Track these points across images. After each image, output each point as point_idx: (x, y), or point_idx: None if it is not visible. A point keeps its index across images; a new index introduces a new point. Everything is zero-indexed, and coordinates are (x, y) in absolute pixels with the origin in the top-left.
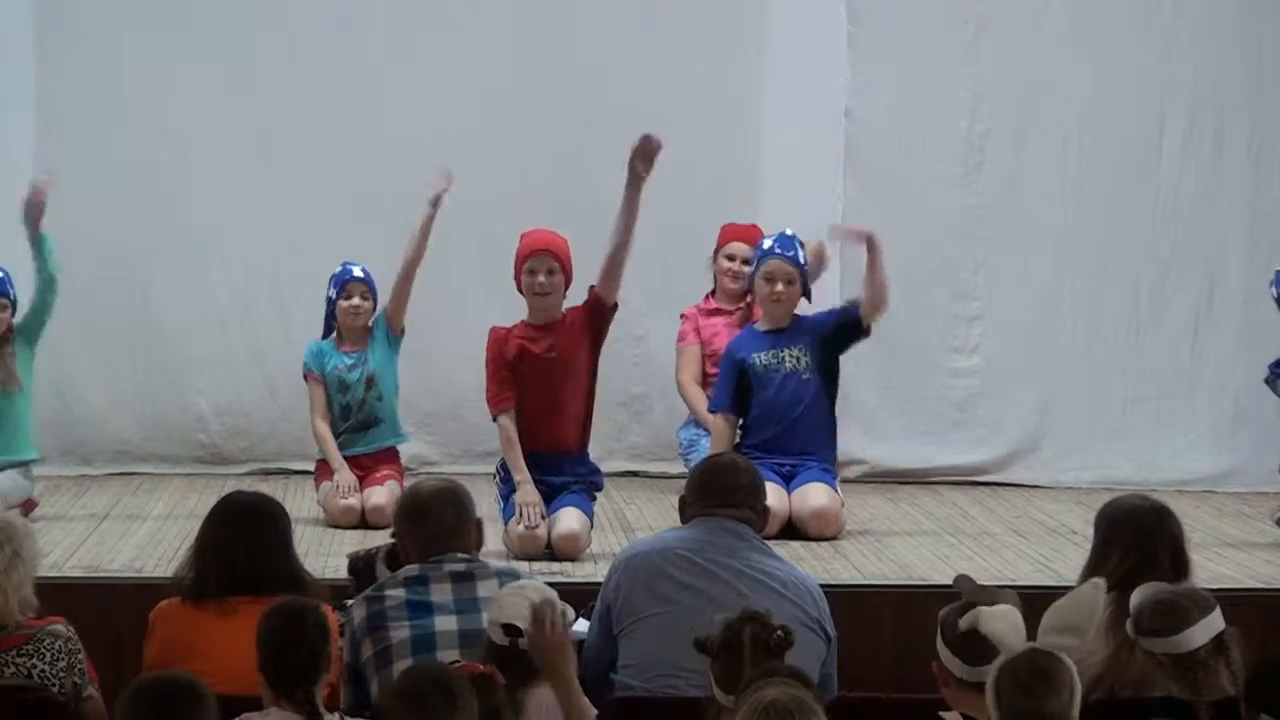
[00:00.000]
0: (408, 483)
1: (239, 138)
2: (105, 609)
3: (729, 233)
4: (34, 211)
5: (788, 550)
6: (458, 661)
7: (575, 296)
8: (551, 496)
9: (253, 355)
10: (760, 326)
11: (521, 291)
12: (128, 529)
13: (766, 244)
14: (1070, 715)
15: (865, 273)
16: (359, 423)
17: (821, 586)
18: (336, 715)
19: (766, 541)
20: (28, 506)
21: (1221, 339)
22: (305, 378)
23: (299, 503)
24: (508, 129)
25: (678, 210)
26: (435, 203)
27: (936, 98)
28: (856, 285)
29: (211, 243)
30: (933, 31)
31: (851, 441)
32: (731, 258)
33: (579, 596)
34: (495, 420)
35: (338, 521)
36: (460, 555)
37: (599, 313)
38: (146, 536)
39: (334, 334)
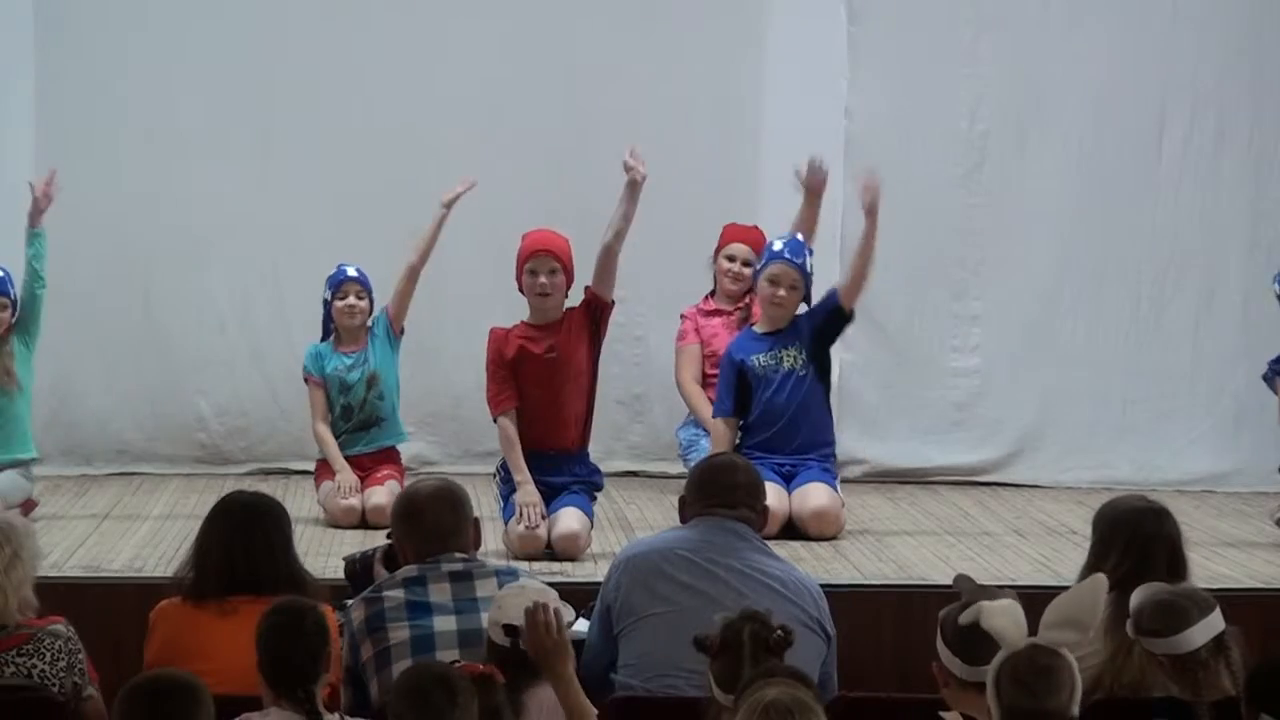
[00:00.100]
0: (408, 482)
1: (239, 138)
2: (105, 609)
3: (730, 233)
4: (38, 205)
5: (788, 550)
6: (458, 661)
7: (574, 296)
8: (552, 496)
9: (253, 356)
10: (758, 328)
11: (522, 292)
12: (128, 529)
13: (777, 246)
14: (1070, 712)
15: (859, 242)
16: (360, 423)
17: (821, 586)
18: (336, 715)
19: (766, 541)
20: (28, 506)
21: (1221, 339)
22: (305, 381)
23: (299, 503)
24: (508, 129)
25: (678, 210)
26: (450, 204)
27: (936, 98)
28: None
29: (211, 243)
30: (933, 31)
31: (851, 441)
32: (732, 258)
33: (579, 596)
34: (495, 421)
35: (338, 521)
36: (458, 555)
37: (597, 311)
38: (146, 536)
39: (333, 335)
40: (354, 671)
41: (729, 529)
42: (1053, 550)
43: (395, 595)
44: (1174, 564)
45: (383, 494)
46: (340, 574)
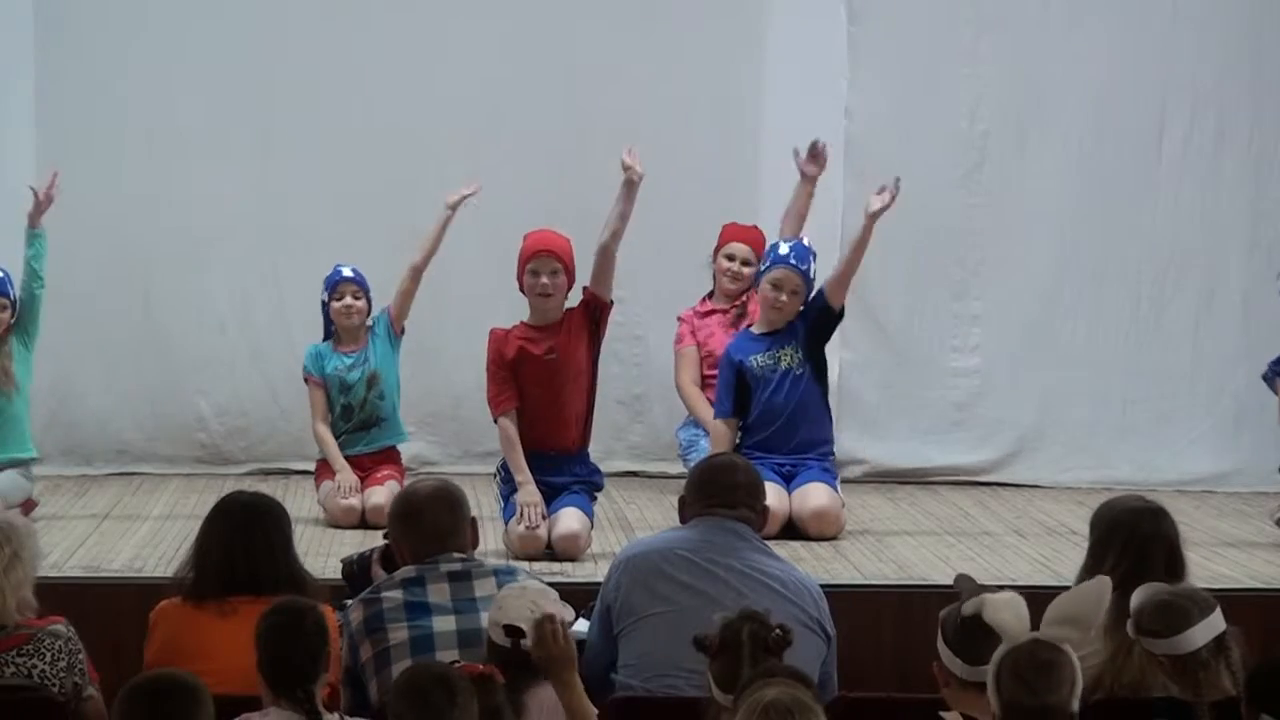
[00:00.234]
0: (408, 482)
1: (239, 138)
2: (105, 609)
3: (729, 233)
4: (39, 206)
5: (788, 550)
6: (458, 661)
7: (574, 297)
8: (552, 496)
9: (253, 356)
10: (756, 329)
11: (523, 292)
12: (128, 529)
13: (783, 250)
14: (1070, 707)
15: (853, 242)
16: (360, 423)
17: (821, 586)
18: (336, 715)
19: (766, 541)
20: (28, 506)
21: (1221, 339)
22: (305, 381)
23: (299, 503)
24: (508, 129)
25: (678, 210)
26: (454, 206)
27: (936, 98)
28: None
29: (211, 243)
30: (933, 31)
31: (852, 441)
32: (731, 258)
33: (579, 596)
34: (496, 422)
35: (338, 521)
36: (456, 555)
37: (597, 312)
38: (146, 536)
39: (333, 336)
40: (353, 672)
41: (729, 529)
42: (1053, 550)
43: (394, 596)
44: (1172, 564)
45: (383, 494)
46: (340, 574)
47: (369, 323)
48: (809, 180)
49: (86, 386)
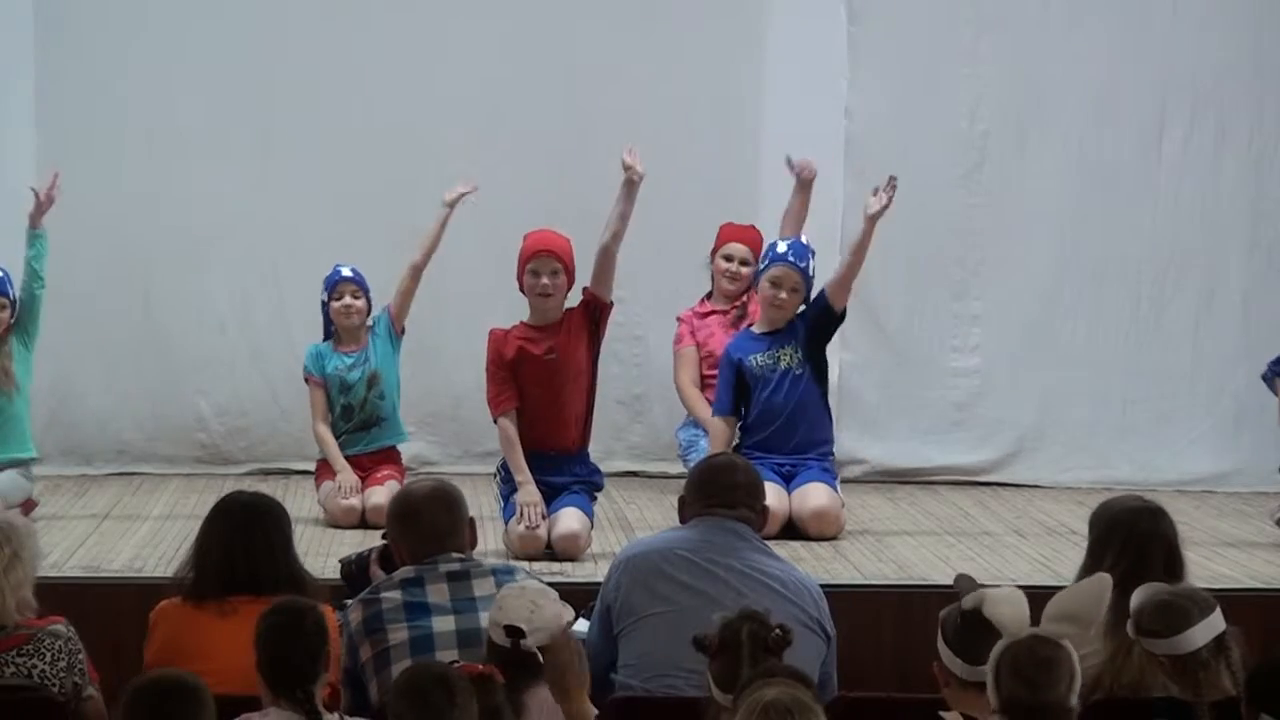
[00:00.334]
0: (406, 482)
1: (239, 138)
2: (105, 609)
3: (727, 233)
4: (40, 207)
5: (788, 550)
6: (457, 662)
7: (574, 297)
8: (552, 496)
9: (253, 356)
10: (756, 328)
11: (523, 291)
12: (128, 529)
13: (781, 248)
14: (1069, 703)
15: (854, 244)
16: (361, 423)
17: (821, 586)
18: (336, 715)
19: (766, 541)
20: (28, 506)
21: (1221, 339)
22: (306, 381)
23: (299, 503)
24: (508, 129)
25: (678, 211)
26: (452, 204)
27: (936, 98)
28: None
29: (211, 243)
30: (933, 31)
31: (852, 441)
32: (729, 258)
33: (579, 596)
34: (496, 422)
35: (338, 521)
36: (455, 555)
37: (596, 312)
38: (146, 536)
39: (333, 335)
40: (353, 673)
41: (729, 529)
42: (1053, 550)
43: (393, 596)
44: (1171, 563)
45: (383, 494)
46: (339, 574)
47: (369, 323)
48: (803, 186)
49: (86, 386)
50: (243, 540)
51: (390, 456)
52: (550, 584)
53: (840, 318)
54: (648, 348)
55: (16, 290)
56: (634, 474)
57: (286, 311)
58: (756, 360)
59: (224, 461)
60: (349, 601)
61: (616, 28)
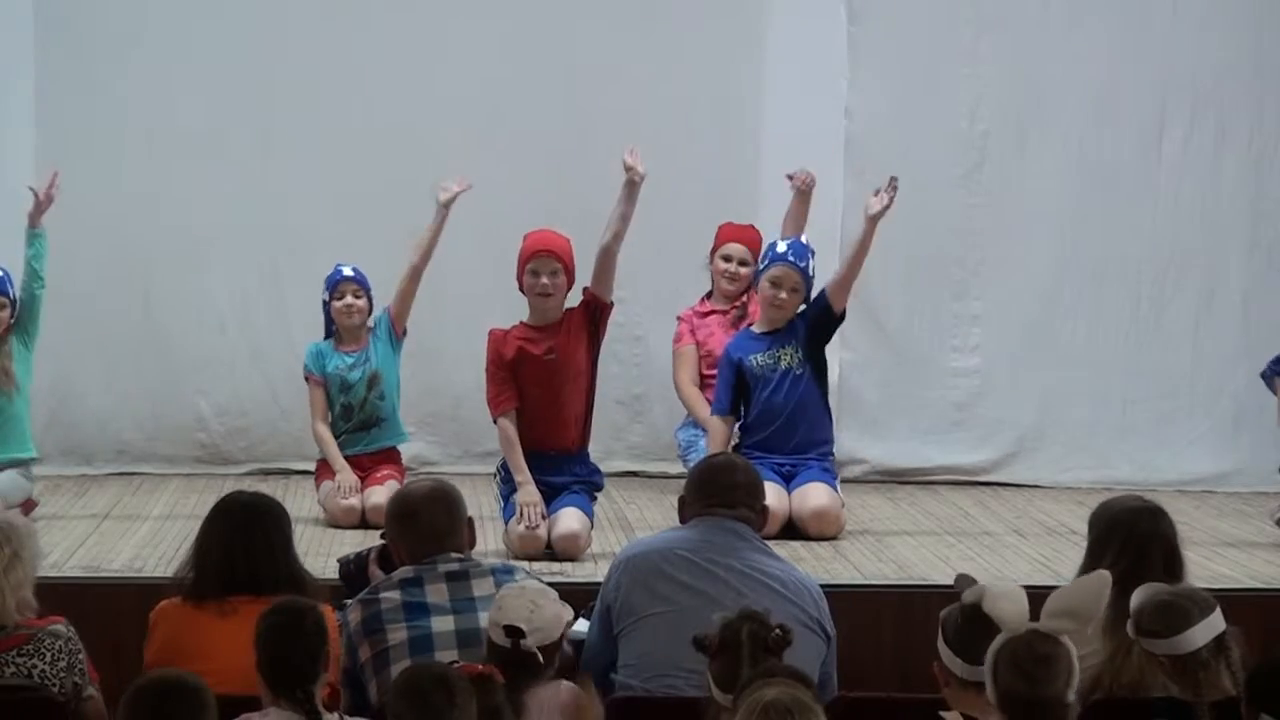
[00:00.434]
0: (406, 482)
1: (239, 138)
2: (105, 609)
3: (726, 233)
4: (39, 206)
5: (788, 550)
6: (457, 662)
7: (574, 297)
8: (552, 496)
9: (253, 355)
10: (756, 328)
11: (523, 291)
12: (128, 529)
13: (781, 248)
14: (1066, 698)
15: (855, 245)
16: (360, 422)
17: (821, 586)
18: (336, 715)
19: (766, 541)
20: (28, 506)
21: (1221, 339)
22: (306, 380)
23: (299, 503)
24: (508, 129)
25: (678, 211)
26: (448, 204)
27: (936, 98)
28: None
29: (211, 243)
30: (933, 31)
31: (852, 441)
32: (728, 258)
33: (579, 596)
34: (495, 422)
35: (338, 521)
36: (454, 555)
37: (597, 312)
38: (146, 536)
39: (333, 335)
40: (352, 673)
41: (729, 529)
42: (1053, 550)
43: (392, 597)
44: (1170, 563)
45: (382, 494)
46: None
47: (370, 323)
48: (802, 194)
49: (86, 386)
50: (243, 540)
51: (390, 457)
52: (550, 584)
53: (840, 318)
54: (648, 348)
55: (17, 290)
56: (634, 474)
57: (286, 311)
58: (757, 360)
59: (224, 461)
60: (348, 602)
61: (616, 28)
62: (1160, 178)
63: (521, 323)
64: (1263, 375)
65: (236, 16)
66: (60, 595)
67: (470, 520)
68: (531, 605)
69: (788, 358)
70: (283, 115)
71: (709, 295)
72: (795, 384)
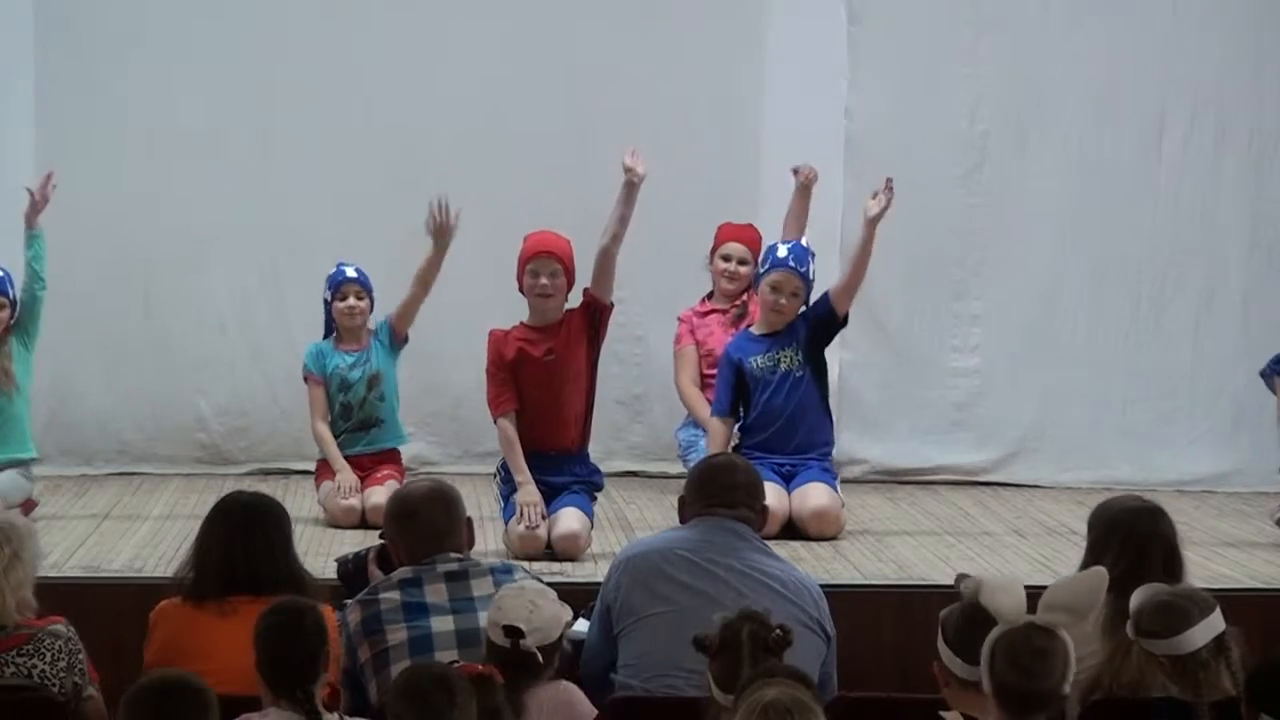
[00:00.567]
0: (405, 482)
1: (238, 138)
2: (105, 609)
3: (725, 232)
4: (35, 207)
5: (788, 550)
6: (456, 661)
7: (575, 298)
8: (552, 496)
9: (253, 355)
10: (756, 329)
11: (523, 292)
12: (128, 529)
13: (781, 252)
14: (1062, 691)
15: (856, 249)
16: (359, 423)
17: (821, 586)
18: (335, 715)
19: (766, 541)
20: (28, 506)
21: (1221, 339)
22: (305, 380)
23: (299, 503)
24: (508, 129)
25: (678, 211)
26: (445, 240)
27: (936, 98)
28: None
29: (211, 243)
30: (933, 31)
31: (851, 441)
32: (727, 258)
33: (579, 596)
34: (496, 423)
35: (338, 521)
36: (453, 555)
37: (596, 315)
38: (146, 536)
39: (334, 334)
40: (352, 674)
41: (729, 529)
42: (1053, 550)
43: (391, 597)
44: (1170, 563)
45: (382, 494)
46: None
47: (371, 326)
48: (804, 190)
49: (86, 386)
50: (243, 540)
51: (390, 457)
52: (550, 584)
53: (843, 323)
54: (648, 348)
55: (17, 291)
56: (634, 474)
57: (286, 311)
58: (756, 362)
59: (224, 461)
60: (348, 602)
61: (616, 28)
62: (1160, 178)
63: (522, 323)
64: (1262, 374)
65: (237, 16)
66: (60, 595)
67: (469, 520)
68: (530, 605)
69: (787, 360)
70: (283, 115)
71: (710, 295)
72: (795, 387)
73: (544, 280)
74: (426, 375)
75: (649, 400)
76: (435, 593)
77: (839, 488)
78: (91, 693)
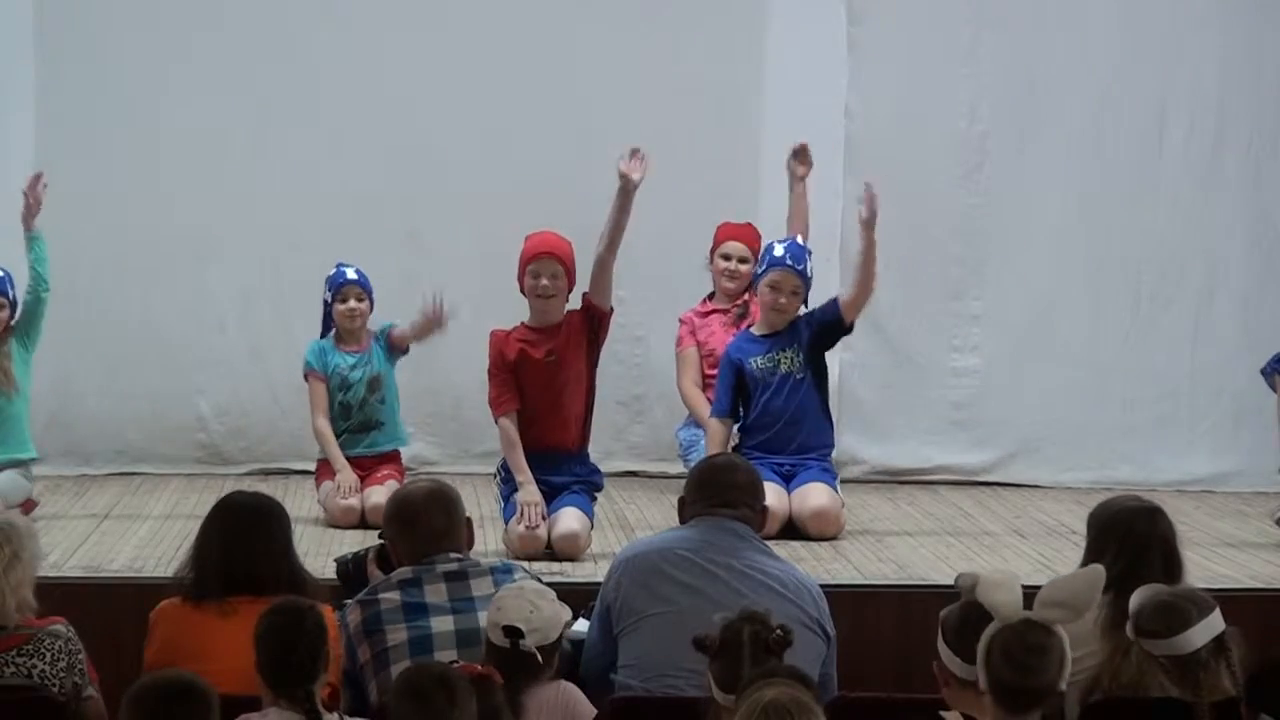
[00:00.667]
0: (405, 482)
1: (238, 137)
2: (105, 609)
3: (724, 232)
4: (30, 209)
5: (788, 550)
6: (456, 662)
7: (575, 299)
8: (552, 496)
9: (253, 355)
10: (756, 330)
11: (524, 293)
12: (128, 529)
13: (778, 252)
14: (1059, 686)
15: (860, 257)
16: (359, 423)
17: (821, 586)
18: (336, 715)
19: (766, 541)
20: (28, 506)
21: (1221, 339)
22: (306, 377)
23: (299, 503)
24: (508, 130)
25: (678, 211)
26: (441, 322)
27: (936, 98)
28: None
29: (211, 243)
30: (933, 31)
31: (851, 441)
32: (727, 257)
33: (579, 596)
34: (497, 423)
35: (338, 521)
36: (453, 555)
37: (595, 319)
38: (146, 536)
39: (333, 334)
40: (352, 674)
41: (729, 529)
42: (1053, 550)
43: (391, 597)
44: (1169, 563)
45: (382, 494)
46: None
47: (371, 328)
48: (799, 180)
49: (86, 386)
50: (243, 541)
51: (391, 458)
52: (550, 584)
53: (848, 330)
54: (648, 348)
55: (18, 292)
56: (634, 474)
57: (287, 311)
58: (756, 363)
59: (224, 461)
60: (348, 602)
61: (616, 28)
62: (1160, 178)
63: (522, 324)
64: (1263, 372)
65: (237, 17)
66: (60, 595)
67: (469, 520)
68: (530, 605)
69: (787, 361)
70: (283, 115)
71: (710, 295)
72: (795, 388)
73: (545, 281)
74: (426, 375)
75: (649, 400)
76: (435, 593)
77: (839, 488)
78: (91, 693)
